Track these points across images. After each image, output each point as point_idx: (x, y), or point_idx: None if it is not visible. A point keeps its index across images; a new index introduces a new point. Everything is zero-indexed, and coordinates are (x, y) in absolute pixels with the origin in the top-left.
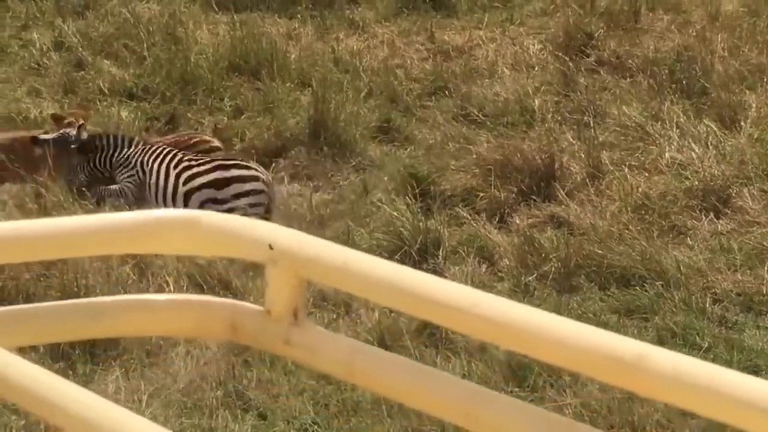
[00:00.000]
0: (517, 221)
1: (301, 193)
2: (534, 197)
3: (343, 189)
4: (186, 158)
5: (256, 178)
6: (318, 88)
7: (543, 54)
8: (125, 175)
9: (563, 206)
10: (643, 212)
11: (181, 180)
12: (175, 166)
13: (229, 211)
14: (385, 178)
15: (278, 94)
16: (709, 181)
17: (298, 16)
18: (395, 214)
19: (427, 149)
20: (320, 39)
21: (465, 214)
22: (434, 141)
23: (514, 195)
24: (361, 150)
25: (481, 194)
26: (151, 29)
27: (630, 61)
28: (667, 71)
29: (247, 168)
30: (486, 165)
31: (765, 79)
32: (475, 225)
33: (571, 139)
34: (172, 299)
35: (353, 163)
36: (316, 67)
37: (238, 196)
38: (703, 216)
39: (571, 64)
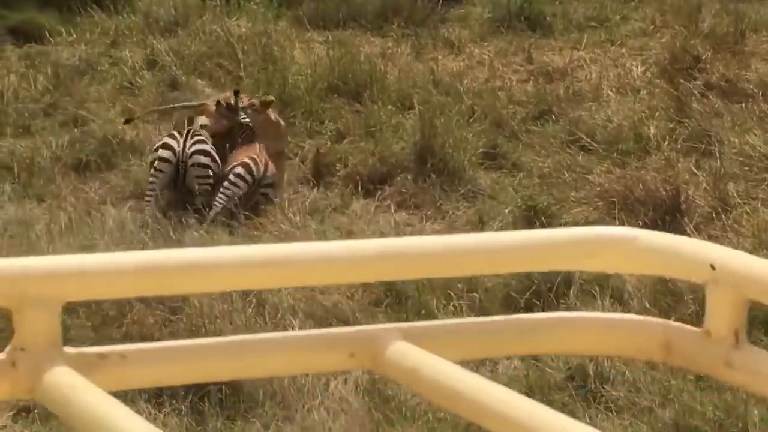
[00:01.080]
0: None
1: (409, 223)
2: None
3: (454, 219)
4: None
5: (166, 146)
6: (423, 112)
7: (647, 76)
8: None
9: None
10: None
11: None
12: None
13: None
14: (506, 210)
15: (380, 117)
16: None
17: (392, 34)
18: None
19: (541, 178)
20: (417, 59)
21: None
22: (548, 169)
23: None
24: (470, 177)
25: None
26: (245, 48)
27: (740, 85)
28: None
29: (173, 138)
30: (607, 197)
31: None
32: None
33: (694, 170)
34: (603, 317)
35: (462, 192)
36: (416, 88)
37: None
38: None
39: (680, 87)
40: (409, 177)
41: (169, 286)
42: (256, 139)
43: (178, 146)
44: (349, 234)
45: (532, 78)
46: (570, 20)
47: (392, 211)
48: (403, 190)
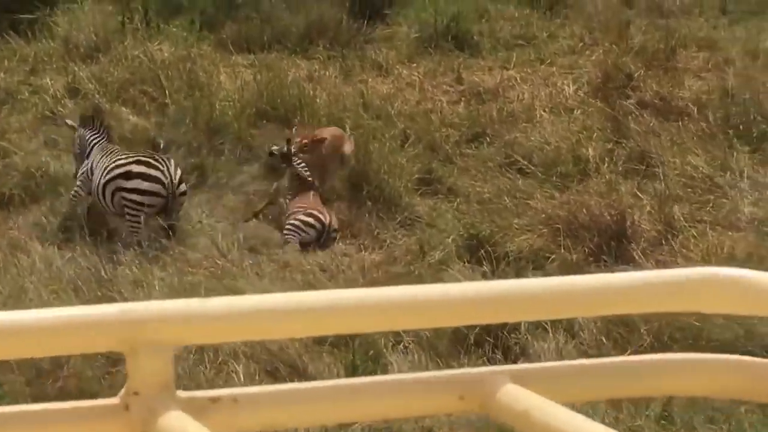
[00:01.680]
0: None
1: (347, 253)
2: (605, 257)
3: (393, 248)
4: (122, 154)
5: (158, 180)
6: (357, 138)
7: (580, 95)
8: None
9: (640, 269)
10: None
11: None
12: (108, 162)
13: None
14: (449, 239)
15: None
16: None
17: (318, 56)
18: (463, 280)
19: (481, 203)
20: (345, 81)
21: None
22: (487, 194)
23: (584, 256)
24: (407, 204)
25: (550, 256)
26: (169, 73)
27: (674, 103)
28: (721, 114)
29: (156, 168)
30: (551, 223)
31: None
32: None
33: (638, 193)
34: (715, 358)
35: (399, 219)
36: (346, 112)
37: (137, 191)
38: None
39: (615, 106)
40: (342, 205)
41: (280, 329)
42: (310, 188)
43: (166, 178)
44: (285, 266)
45: (463, 99)
46: (497, 39)
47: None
48: (340, 218)
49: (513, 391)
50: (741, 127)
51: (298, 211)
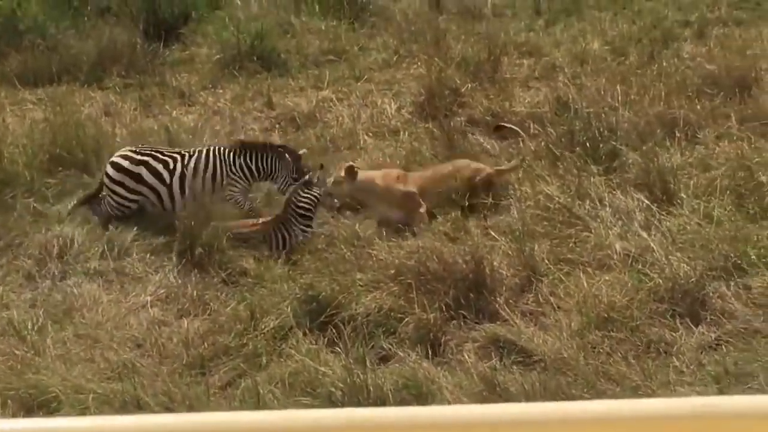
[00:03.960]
0: (455, 350)
1: (164, 321)
2: (464, 313)
3: (219, 313)
4: None
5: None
6: None
7: (403, 115)
8: None
9: (507, 324)
10: (610, 326)
11: None
12: None
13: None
14: (284, 303)
15: None
16: (676, 278)
17: (113, 86)
18: (313, 364)
19: (313, 254)
20: (146, 113)
21: (388, 346)
22: (320, 243)
23: (441, 313)
24: (231, 257)
25: (402, 316)
26: None
27: (507, 119)
28: (563, 130)
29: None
30: (401, 278)
31: (675, 134)
32: (408, 361)
33: (491, 231)
34: None
35: (223, 276)
36: None
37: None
38: (680, 324)
39: (444, 126)
40: (168, 266)
41: None
42: None
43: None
44: (95, 343)
45: (277, 126)
46: (306, 55)
47: (148, 307)
48: (164, 281)
49: None
50: (588, 144)
51: None
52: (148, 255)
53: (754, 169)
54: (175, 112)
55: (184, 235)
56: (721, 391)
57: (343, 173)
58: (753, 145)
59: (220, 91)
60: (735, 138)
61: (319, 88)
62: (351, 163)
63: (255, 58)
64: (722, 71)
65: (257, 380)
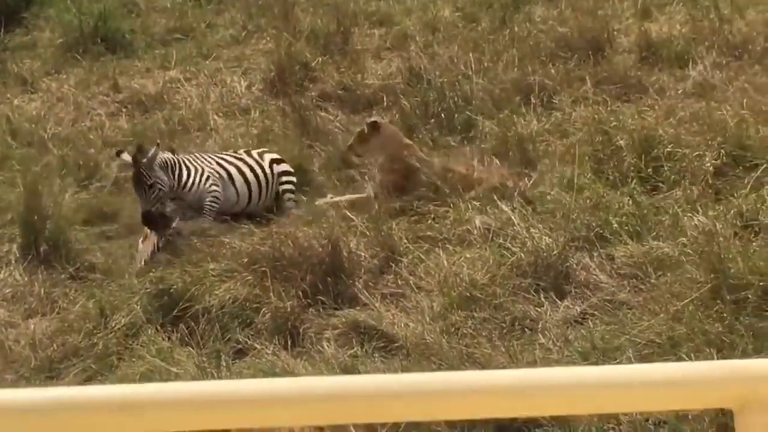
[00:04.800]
0: (314, 339)
1: (11, 322)
2: (322, 299)
3: (68, 312)
4: None
5: None
6: (25, 178)
7: (254, 93)
8: None
9: (367, 309)
10: (473, 306)
11: None
12: None
13: None
14: (134, 299)
15: None
16: (539, 251)
17: None
18: (164, 365)
19: (168, 248)
20: None
21: (244, 338)
22: (171, 234)
23: (299, 300)
24: (78, 251)
25: (258, 306)
26: None
27: (359, 92)
28: (416, 102)
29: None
30: (255, 265)
31: (531, 100)
32: (265, 354)
33: (348, 213)
34: None
35: (71, 271)
36: None
37: None
38: (544, 300)
39: (294, 102)
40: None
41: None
42: None
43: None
44: None
45: (124, 110)
46: (152, 35)
47: None
48: (10, 280)
49: None
50: (443, 114)
51: None
52: None
53: (612, 134)
54: (17, 100)
55: (27, 229)
56: None
57: (366, 128)
58: (609, 108)
59: (64, 76)
60: (591, 102)
61: (166, 69)
62: (375, 118)
63: (99, 40)
64: (575, 33)
65: (107, 383)
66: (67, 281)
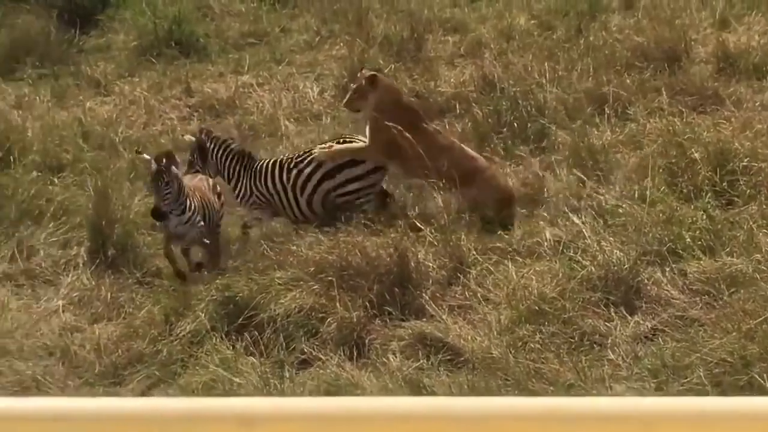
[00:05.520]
0: (380, 350)
1: (77, 327)
2: (389, 309)
3: (133, 317)
4: None
5: None
6: (95, 182)
7: (325, 98)
8: None
9: (433, 321)
10: (541, 320)
11: None
12: None
13: None
14: (200, 306)
15: (23, 188)
16: (609, 265)
17: (26, 78)
18: (227, 374)
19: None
20: (60, 105)
21: (309, 349)
22: (237, 238)
23: (365, 311)
24: (145, 256)
25: (324, 316)
26: None
27: (432, 99)
28: (489, 110)
29: None
30: (322, 274)
31: (605, 110)
32: (330, 365)
33: (417, 222)
34: None
35: (138, 276)
36: (64, 145)
37: None
38: (614, 314)
39: None
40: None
41: None
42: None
43: None
44: (5, 351)
45: (196, 114)
46: (226, 39)
47: (60, 311)
48: (77, 284)
49: None
50: (515, 124)
51: None
52: (59, 255)
53: (686, 146)
54: (89, 102)
55: (96, 233)
56: (658, 386)
57: (364, 82)
58: (684, 120)
59: (137, 79)
60: (666, 113)
61: (239, 73)
62: (372, 72)
63: (173, 44)
64: (651, 43)
65: (169, 392)
66: (133, 286)
